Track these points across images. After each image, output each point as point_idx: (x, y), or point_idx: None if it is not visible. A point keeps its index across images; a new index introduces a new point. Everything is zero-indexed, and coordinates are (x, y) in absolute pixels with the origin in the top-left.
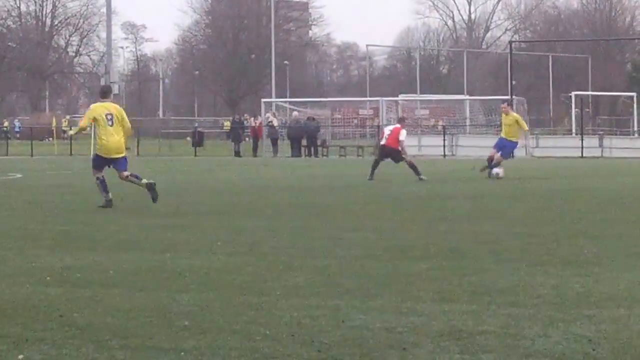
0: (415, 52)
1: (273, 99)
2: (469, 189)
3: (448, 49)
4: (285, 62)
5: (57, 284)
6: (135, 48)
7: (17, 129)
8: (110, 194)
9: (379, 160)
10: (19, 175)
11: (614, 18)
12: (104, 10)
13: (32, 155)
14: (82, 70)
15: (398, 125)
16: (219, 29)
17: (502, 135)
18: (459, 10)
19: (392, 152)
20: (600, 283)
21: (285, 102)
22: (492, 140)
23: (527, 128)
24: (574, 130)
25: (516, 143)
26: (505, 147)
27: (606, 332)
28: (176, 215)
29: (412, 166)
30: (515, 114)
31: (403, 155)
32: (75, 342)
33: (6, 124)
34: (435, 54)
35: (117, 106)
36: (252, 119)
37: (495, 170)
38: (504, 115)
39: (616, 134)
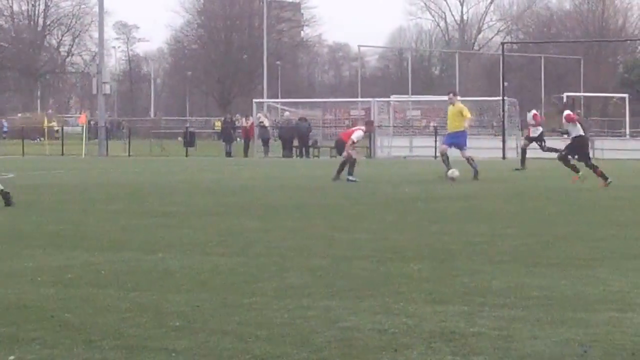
0: (407, 53)
1: (265, 100)
2: (460, 190)
3: (440, 50)
4: (277, 62)
5: (49, 284)
6: (127, 48)
7: (4, 129)
8: None
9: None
10: (10, 175)
11: (606, 19)
12: (96, 10)
13: (23, 155)
14: (74, 70)
15: (362, 128)
16: (211, 29)
17: (448, 130)
18: (451, 11)
19: (340, 144)
20: (591, 285)
21: (277, 102)
22: (484, 141)
23: (470, 116)
24: None
25: (464, 131)
26: (459, 138)
27: (597, 335)
28: (168, 215)
29: (343, 163)
30: (461, 105)
31: (345, 152)
32: (67, 342)
33: None
34: (427, 55)
35: None
36: (244, 119)
37: (451, 171)
38: (450, 106)
39: (607, 136)
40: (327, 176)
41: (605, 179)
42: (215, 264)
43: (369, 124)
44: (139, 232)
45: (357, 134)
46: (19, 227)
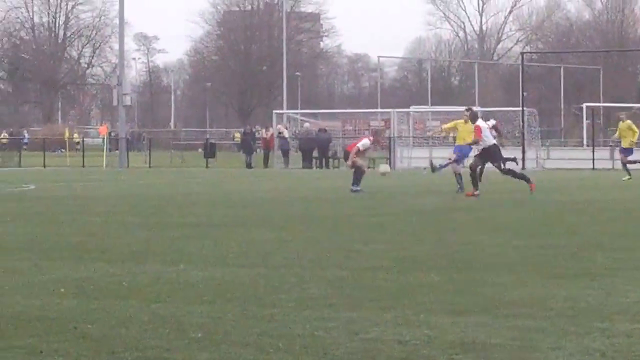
0: (427, 63)
1: (284, 110)
2: (479, 201)
3: (459, 60)
4: (297, 73)
5: (72, 296)
6: (147, 59)
7: (25, 140)
8: None
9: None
10: (32, 187)
11: (625, 29)
12: (116, 21)
13: (44, 167)
14: (94, 82)
15: (369, 137)
16: (231, 40)
17: (458, 143)
18: (470, 22)
19: (347, 155)
20: (612, 296)
21: (297, 113)
22: (503, 151)
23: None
24: (585, 142)
25: (470, 147)
26: (463, 150)
27: (620, 346)
28: (189, 226)
29: (355, 173)
30: (472, 125)
31: (350, 160)
32: (89, 354)
33: (4, 134)
34: (447, 65)
35: None
36: (264, 130)
37: (383, 166)
38: (462, 123)
39: None
40: (346, 187)
41: (477, 187)
42: (236, 275)
43: (376, 133)
44: (160, 243)
45: (364, 142)
46: (41, 238)
